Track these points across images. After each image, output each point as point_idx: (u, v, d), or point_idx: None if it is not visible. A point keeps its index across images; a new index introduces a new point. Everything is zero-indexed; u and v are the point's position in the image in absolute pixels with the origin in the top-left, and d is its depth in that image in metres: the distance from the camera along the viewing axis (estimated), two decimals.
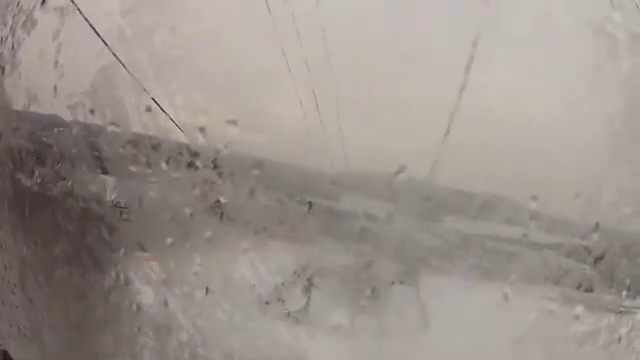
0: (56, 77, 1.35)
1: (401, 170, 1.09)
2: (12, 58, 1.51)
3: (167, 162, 1.17)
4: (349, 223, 1.17)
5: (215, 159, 1.14)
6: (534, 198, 1.16)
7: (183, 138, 1.16)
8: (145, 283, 1.27)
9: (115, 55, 1.21)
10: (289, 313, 1.25)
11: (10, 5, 1.48)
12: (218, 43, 1.15)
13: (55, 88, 1.35)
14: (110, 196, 1.27)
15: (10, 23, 1.52)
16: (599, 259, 1.29)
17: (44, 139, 1.42)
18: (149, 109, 1.19)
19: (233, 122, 1.11)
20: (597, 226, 1.25)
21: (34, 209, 1.48)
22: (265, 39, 1.14)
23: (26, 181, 1.45)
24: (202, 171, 1.14)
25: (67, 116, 1.32)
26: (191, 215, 1.15)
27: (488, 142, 1.22)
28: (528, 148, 1.21)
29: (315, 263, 1.24)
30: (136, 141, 1.20)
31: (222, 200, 1.15)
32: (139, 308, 1.30)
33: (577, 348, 1.34)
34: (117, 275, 1.31)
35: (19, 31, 1.49)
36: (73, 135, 1.30)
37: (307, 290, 1.25)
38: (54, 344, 1.58)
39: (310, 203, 1.14)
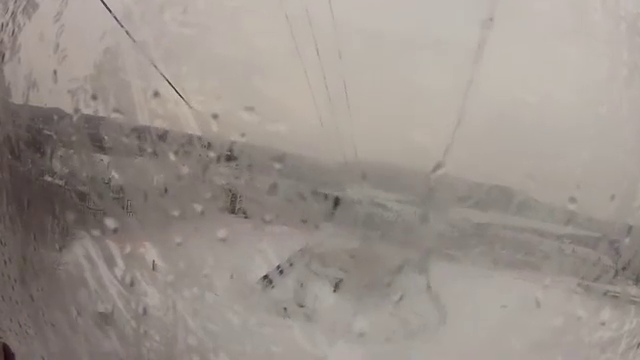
0: (57, 61, 1.16)
1: (438, 167, 0.93)
2: (12, 44, 1.31)
3: (176, 153, 0.98)
4: (374, 219, 1.00)
5: (230, 150, 0.95)
6: (572, 200, 1.01)
7: (194, 126, 0.98)
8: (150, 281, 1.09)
9: (128, 33, 1.01)
10: (306, 313, 1.08)
11: None
12: (234, 23, 0.97)
13: (55, 73, 1.16)
14: (112, 192, 1.08)
15: (11, 8, 1.33)
16: (630, 261, 1.15)
17: (43, 129, 1.23)
18: (157, 94, 1.01)
19: (250, 109, 0.93)
20: (630, 229, 1.10)
21: (33, 201, 1.29)
22: (281, 19, 0.96)
23: (24, 172, 1.26)
24: (215, 163, 0.96)
25: (68, 102, 1.13)
26: (202, 213, 0.96)
27: (519, 139, 1.07)
28: (562, 147, 1.06)
29: (331, 257, 1.07)
30: (141, 129, 1.01)
31: (238, 195, 0.97)
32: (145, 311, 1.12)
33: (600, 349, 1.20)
34: (123, 274, 1.13)
35: (19, 16, 1.30)
36: (74, 123, 1.11)
37: (326, 289, 1.08)
38: (54, 340, 1.40)
39: (337, 199, 0.96)
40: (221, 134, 0.95)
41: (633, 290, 1.24)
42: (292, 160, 0.97)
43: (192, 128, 0.97)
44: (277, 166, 0.93)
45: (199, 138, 0.97)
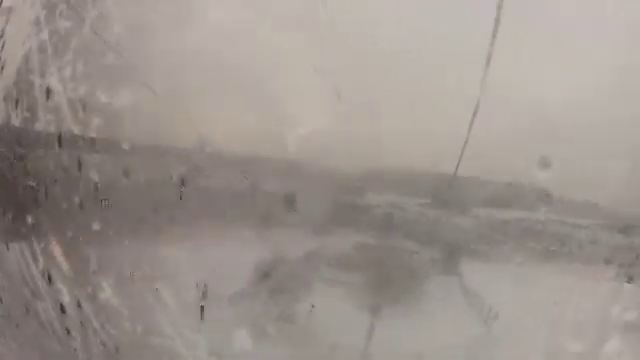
0: None
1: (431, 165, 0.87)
2: None
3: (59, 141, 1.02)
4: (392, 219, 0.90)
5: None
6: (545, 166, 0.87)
7: (68, 115, 1.01)
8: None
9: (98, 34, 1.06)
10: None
11: None
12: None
13: None
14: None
15: None
16: None
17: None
18: (49, 90, 1.06)
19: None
20: None
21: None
22: None
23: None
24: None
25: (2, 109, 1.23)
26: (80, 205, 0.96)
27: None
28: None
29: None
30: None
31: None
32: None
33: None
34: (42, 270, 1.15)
35: None
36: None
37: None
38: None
39: (183, 180, 0.88)
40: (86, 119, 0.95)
41: None
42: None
43: (66, 115, 1.00)
44: (125, 147, 0.89)
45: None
